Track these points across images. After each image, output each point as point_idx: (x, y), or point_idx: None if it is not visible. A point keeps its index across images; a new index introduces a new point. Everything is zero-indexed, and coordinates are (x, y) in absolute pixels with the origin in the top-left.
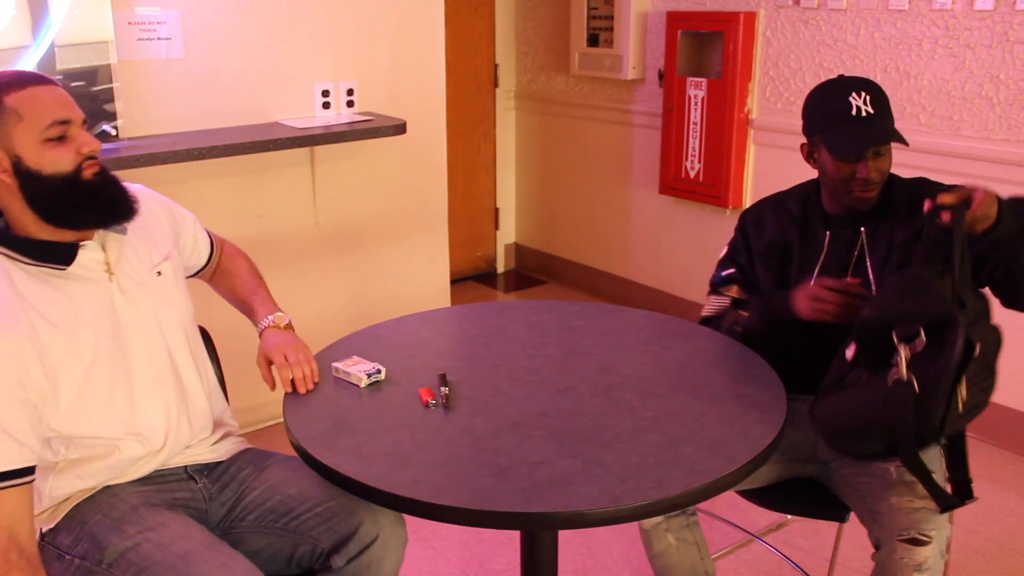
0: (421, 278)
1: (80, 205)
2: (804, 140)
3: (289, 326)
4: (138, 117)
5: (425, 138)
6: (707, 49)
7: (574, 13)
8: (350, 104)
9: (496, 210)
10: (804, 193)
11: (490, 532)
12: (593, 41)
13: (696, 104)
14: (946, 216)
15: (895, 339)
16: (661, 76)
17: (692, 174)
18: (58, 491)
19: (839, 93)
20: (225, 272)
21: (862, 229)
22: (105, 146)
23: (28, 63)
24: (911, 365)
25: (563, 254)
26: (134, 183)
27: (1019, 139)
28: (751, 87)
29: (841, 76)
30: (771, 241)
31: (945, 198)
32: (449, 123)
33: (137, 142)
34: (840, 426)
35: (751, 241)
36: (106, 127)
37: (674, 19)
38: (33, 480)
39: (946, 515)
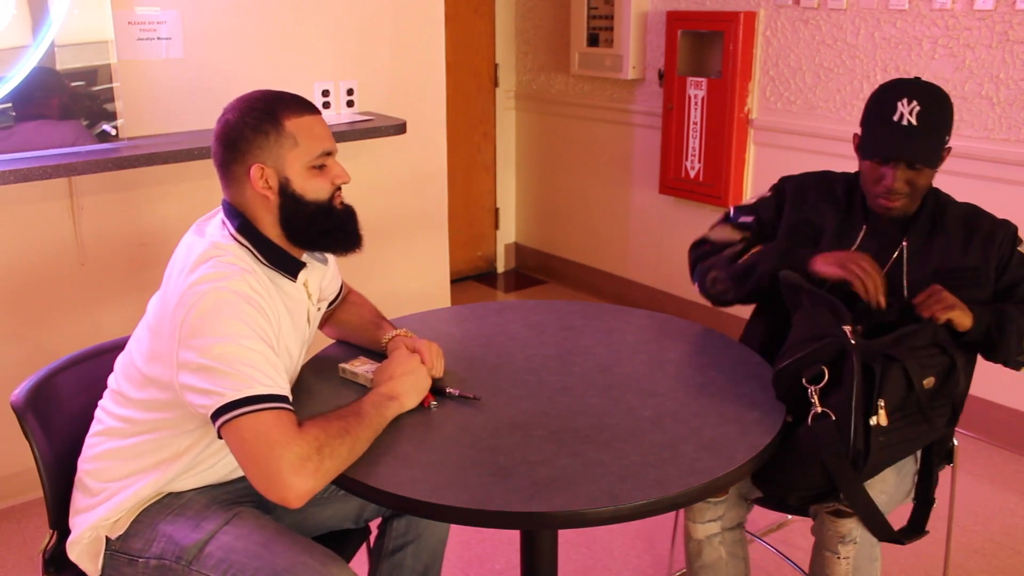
0: (421, 278)
1: (327, 232)
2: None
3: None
4: (138, 117)
5: (425, 138)
6: (707, 49)
7: (574, 13)
8: (350, 104)
9: (496, 210)
10: (853, 180)
11: (490, 532)
12: (593, 41)
13: (696, 104)
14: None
15: (804, 383)
16: (661, 76)
17: (692, 174)
18: (128, 498)
19: (891, 95)
20: (352, 303)
21: (904, 243)
22: (105, 145)
23: (28, 62)
24: (822, 400)
25: (563, 254)
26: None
27: (1019, 139)
28: (751, 87)
29: (915, 79)
30: (806, 219)
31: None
32: (449, 123)
33: (137, 142)
34: (779, 475)
35: (785, 209)
36: (106, 127)
37: (674, 19)
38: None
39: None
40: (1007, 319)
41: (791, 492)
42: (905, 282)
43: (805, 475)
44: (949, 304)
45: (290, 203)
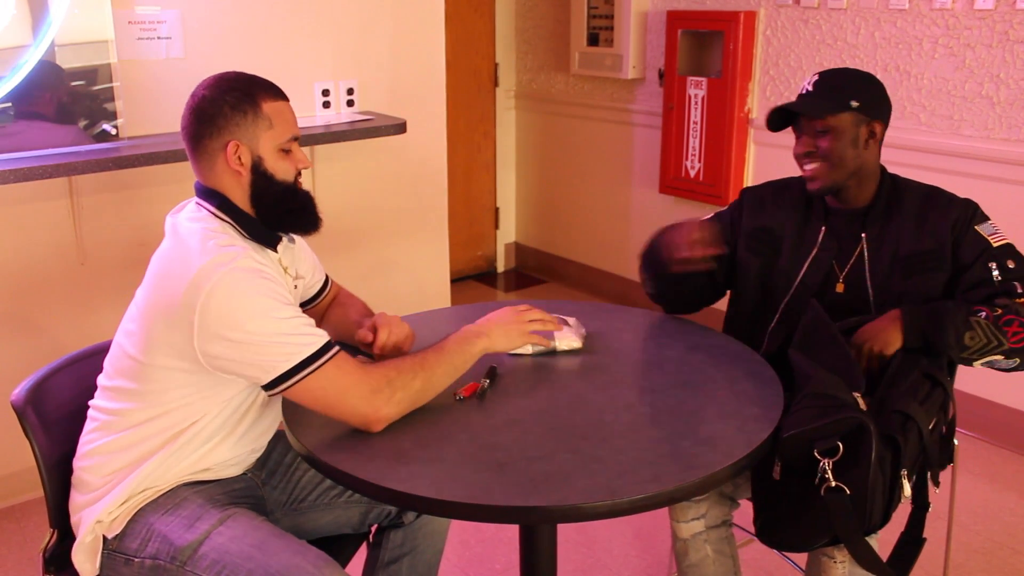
0: (421, 278)
1: (292, 211)
2: None
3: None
4: (138, 117)
5: (425, 138)
6: (707, 48)
7: (574, 12)
8: (350, 103)
9: (496, 210)
10: None
11: (490, 531)
12: (593, 40)
13: (696, 103)
14: None
15: (816, 455)
16: (661, 75)
17: (692, 173)
18: (127, 487)
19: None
20: (341, 304)
21: (863, 235)
22: (105, 145)
23: (28, 62)
24: (835, 473)
25: (563, 254)
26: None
27: (1019, 138)
28: (751, 86)
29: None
30: (763, 225)
31: None
32: (449, 123)
33: (137, 142)
34: (789, 538)
35: (743, 219)
36: (106, 126)
37: (674, 18)
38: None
39: None
40: (945, 316)
41: (799, 549)
42: (868, 274)
43: (815, 540)
44: (869, 350)
45: (261, 181)
